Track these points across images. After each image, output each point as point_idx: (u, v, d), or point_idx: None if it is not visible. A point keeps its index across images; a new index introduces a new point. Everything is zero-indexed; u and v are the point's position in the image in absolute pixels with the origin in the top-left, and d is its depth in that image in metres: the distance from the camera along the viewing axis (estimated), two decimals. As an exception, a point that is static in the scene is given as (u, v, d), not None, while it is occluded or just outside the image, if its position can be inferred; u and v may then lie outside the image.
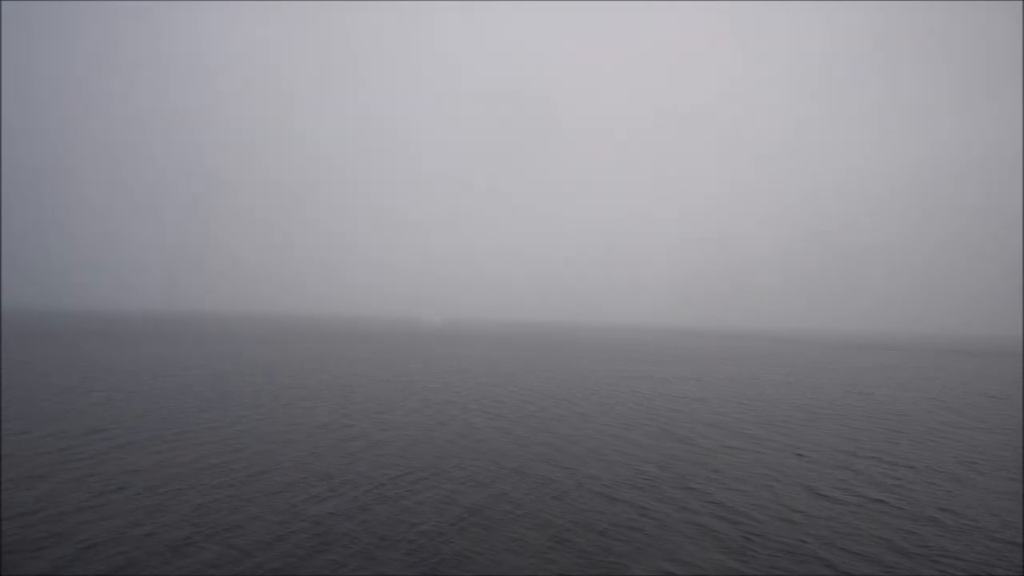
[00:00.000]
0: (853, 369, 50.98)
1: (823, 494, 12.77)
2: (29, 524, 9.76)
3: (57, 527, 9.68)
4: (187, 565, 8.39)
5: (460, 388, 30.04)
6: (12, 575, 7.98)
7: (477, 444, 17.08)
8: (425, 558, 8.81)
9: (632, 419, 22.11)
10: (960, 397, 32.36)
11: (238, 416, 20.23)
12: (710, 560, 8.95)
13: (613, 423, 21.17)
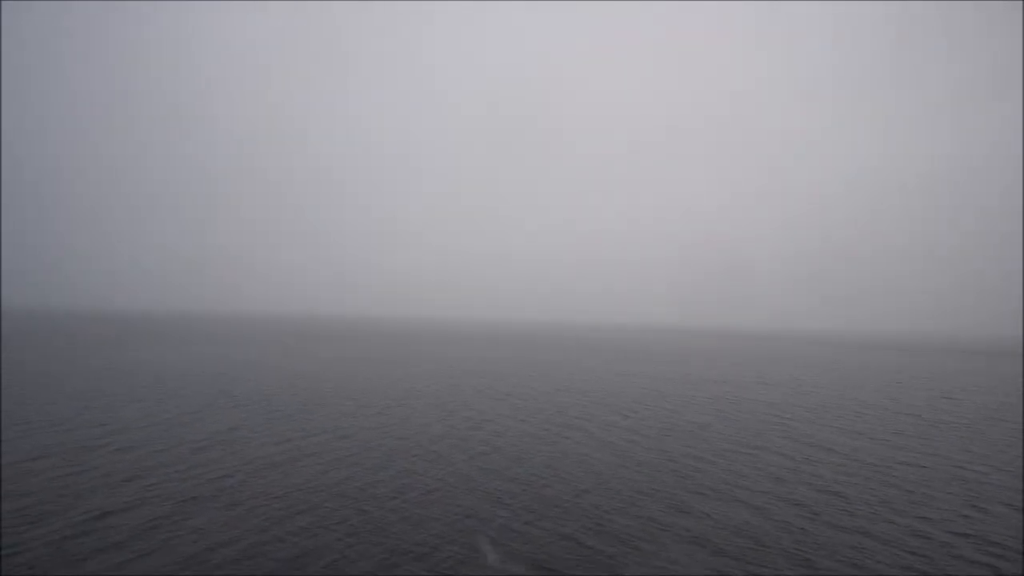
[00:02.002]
0: (906, 371, 49.63)
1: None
2: (226, 542, 9.24)
3: (246, 547, 9.11)
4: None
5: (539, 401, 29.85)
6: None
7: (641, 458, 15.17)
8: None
9: (748, 430, 19.97)
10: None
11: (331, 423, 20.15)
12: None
13: (734, 436, 18.64)
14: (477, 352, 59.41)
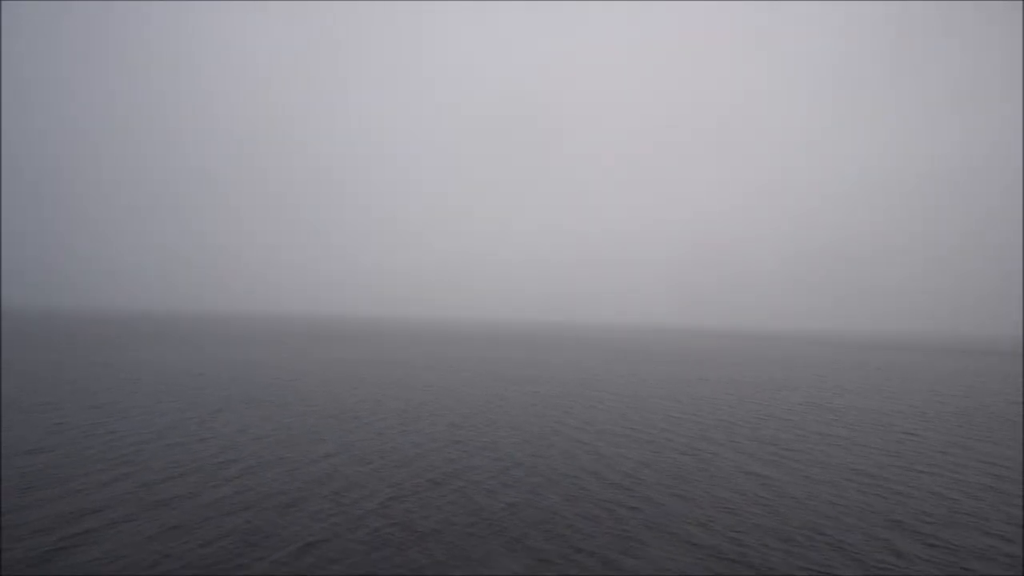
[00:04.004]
0: (949, 374, 48.47)
1: None
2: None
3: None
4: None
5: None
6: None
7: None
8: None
9: (858, 446, 18.27)
10: None
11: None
12: None
13: (856, 459, 16.62)
14: (506, 353, 59.14)
